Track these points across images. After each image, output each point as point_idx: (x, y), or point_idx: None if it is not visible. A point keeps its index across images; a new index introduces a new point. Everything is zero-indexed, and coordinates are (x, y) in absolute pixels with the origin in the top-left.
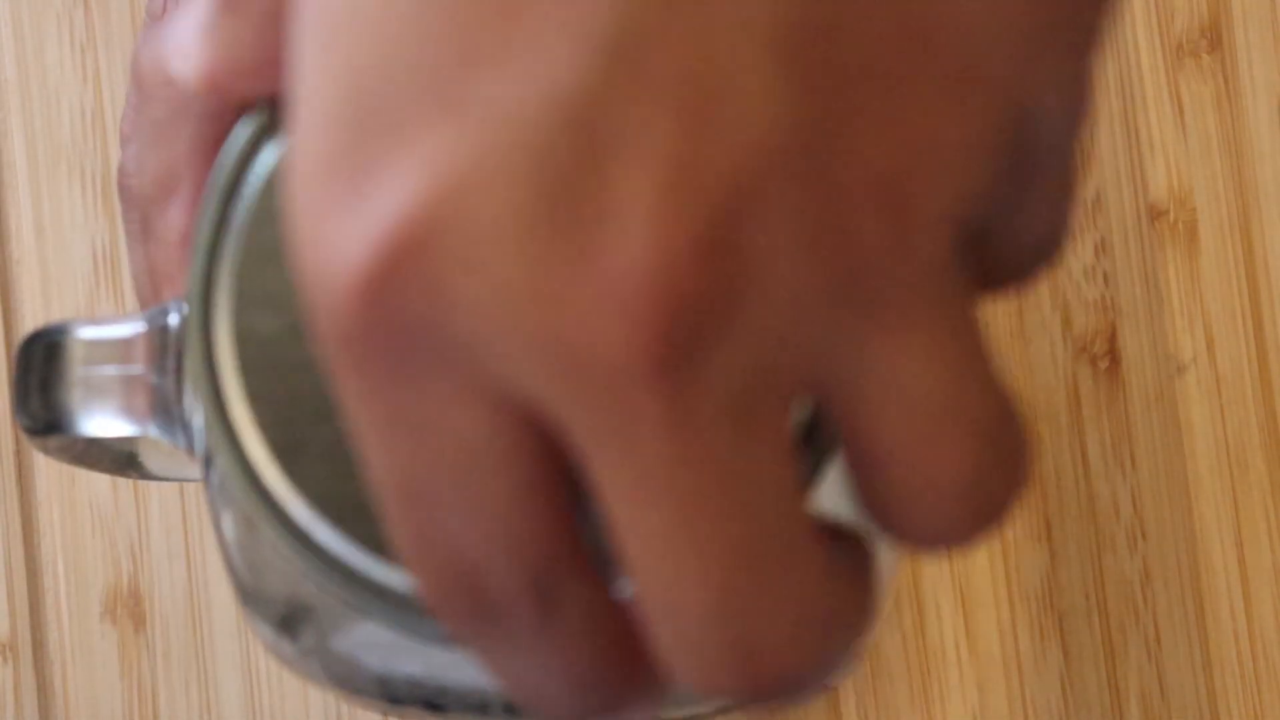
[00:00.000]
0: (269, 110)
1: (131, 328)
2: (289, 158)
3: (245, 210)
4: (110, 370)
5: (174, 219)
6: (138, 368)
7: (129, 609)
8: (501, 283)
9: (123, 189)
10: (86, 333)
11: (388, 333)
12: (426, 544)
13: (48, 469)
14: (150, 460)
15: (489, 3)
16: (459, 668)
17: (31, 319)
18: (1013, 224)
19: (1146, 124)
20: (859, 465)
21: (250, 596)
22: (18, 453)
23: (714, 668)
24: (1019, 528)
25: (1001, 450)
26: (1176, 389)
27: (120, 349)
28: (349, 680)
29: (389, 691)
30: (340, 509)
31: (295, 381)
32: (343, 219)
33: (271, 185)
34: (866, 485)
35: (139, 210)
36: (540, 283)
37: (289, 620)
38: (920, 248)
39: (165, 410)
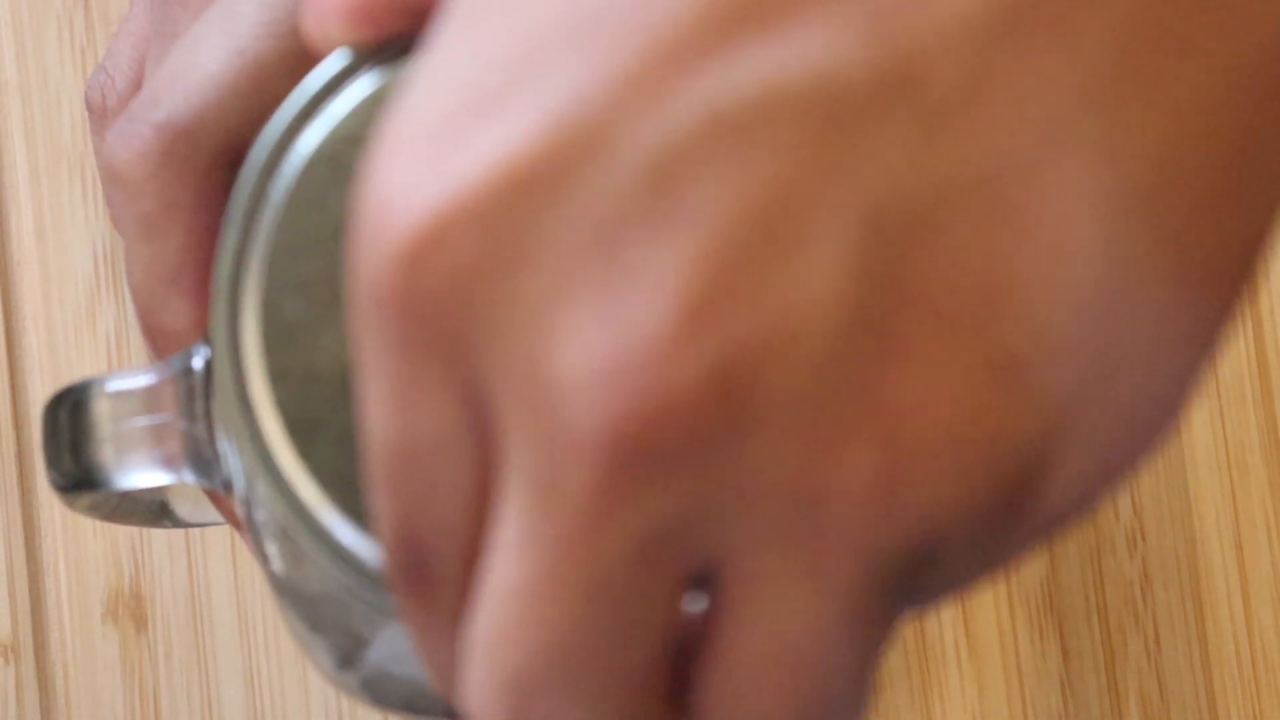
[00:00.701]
0: (317, 92)
1: (156, 376)
2: (394, 110)
3: (280, 196)
4: (139, 421)
5: (178, 310)
6: (166, 416)
7: (130, 610)
8: (516, 304)
9: (99, 114)
10: (111, 386)
11: (416, 297)
12: (391, 508)
13: None
14: (181, 508)
15: (624, 12)
16: None
17: (32, 320)
18: (946, 569)
19: None
20: (700, 660)
21: (307, 631)
22: (19, 454)
23: (476, 711)
24: None
25: None
26: None
27: (147, 399)
28: (416, 702)
29: (454, 712)
30: (357, 500)
31: (325, 372)
32: (419, 171)
33: (310, 169)
34: (697, 679)
35: (138, 305)
36: (548, 320)
37: (350, 649)
38: (881, 538)
39: (198, 454)
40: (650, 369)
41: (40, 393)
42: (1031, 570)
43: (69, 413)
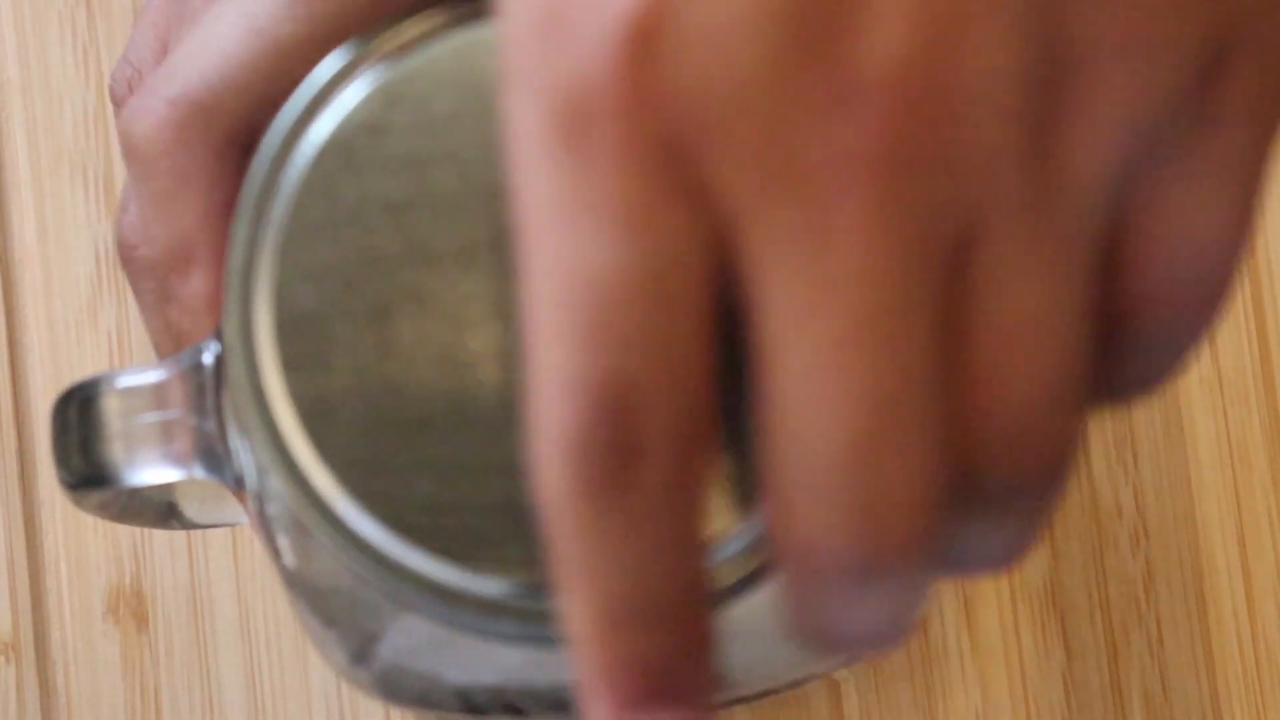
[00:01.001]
0: (328, 81)
1: (165, 372)
2: None
3: (291, 185)
4: (149, 418)
5: (197, 286)
6: (176, 411)
7: (131, 608)
8: (743, 69)
9: (129, 260)
10: (121, 383)
11: (625, 104)
12: (586, 355)
13: (50, 468)
14: (189, 508)
15: None
16: (533, 668)
17: (34, 319)
18: (1166, 227)
19: None
20: (965, 355)
21: (320, 627)
22: (20, 452)
23: (832, 515)
24: None
25: (1056, 408)
26: (1179, 387)
27: (156, 395)
28: (429, 697)
29: (470, 702)
30: (389, 508)
31: (338, 362)
32: None
33: (322, 157)
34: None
35: (154, 280)
36: (780, 75)
37: (363, 644)
38: (1094, 154)
39: (209, 450)
40: (892, 69)
41: (42, 391)
42: (1034, 568)
43: (78, 409)
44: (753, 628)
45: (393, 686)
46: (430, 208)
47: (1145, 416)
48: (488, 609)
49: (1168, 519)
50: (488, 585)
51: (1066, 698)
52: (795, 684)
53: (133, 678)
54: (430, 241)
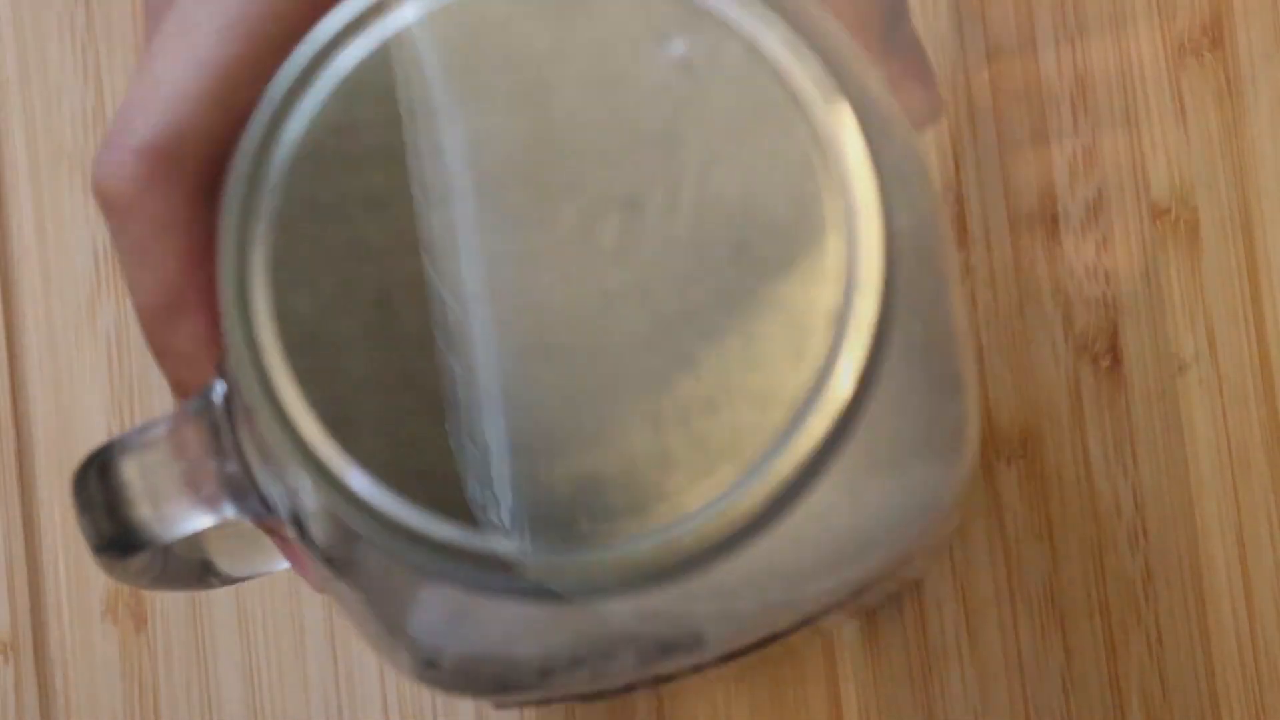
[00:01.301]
0: (288, 91)
1: (177, 421)
2: None
3: (271, 204)
4: (171, 470)
5: (188, 331)
6: (195, 458)
7: (130, 608)
8: None
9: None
10: (135, 441)
11: None
12: None
13: (49, 467)
14: (223, 563)
15: None
16: (603, 623)
17: (32, 318)
18: None
19: (1148, 122)
20: None
21: (386, 635)
22: (19, 452)
23: None
24: (1020, 526)
25: None
26: (1178, 387)
27: (173, 446)
28: (508, 680)
29: (551, 675)
30: (430, 494)
31: (348, 362)
32: None
33: (294, 176)
34: None
35: (146, 328)
36: None
37: (432, 643)
38: None
39: (236, 488)
40: None
41: (40, 391)
42: (1033, 568)
43: (98, 477)
44: (752, 576)
45: (471, 679)
46: (410, 195)
47: (1145, 416)
48: (546, 573)
49: (1167, 518)
50: (541, 552)
51: (1065, 698)
52: (786, 633)
53: (131, 678)
54: (416, 228)
